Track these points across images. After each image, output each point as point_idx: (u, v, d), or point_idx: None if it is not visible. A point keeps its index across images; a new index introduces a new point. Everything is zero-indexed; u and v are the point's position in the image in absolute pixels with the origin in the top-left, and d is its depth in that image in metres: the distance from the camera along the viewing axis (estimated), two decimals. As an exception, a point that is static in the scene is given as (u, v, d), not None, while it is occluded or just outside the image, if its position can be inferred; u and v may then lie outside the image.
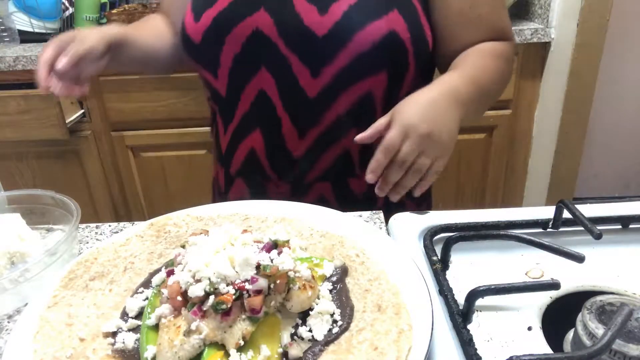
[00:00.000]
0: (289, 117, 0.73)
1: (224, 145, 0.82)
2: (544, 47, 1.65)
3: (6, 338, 0.48)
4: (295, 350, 0.41)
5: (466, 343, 0.44)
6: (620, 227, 0.61)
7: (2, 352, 0.43)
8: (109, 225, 0.67)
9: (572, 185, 1.87)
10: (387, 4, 0.69)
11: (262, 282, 0.42)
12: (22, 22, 1.72)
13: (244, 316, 0.42)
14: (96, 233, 0.65)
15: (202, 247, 0.46)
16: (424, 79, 0.77)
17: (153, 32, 0.84)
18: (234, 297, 0.42)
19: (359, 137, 0.62)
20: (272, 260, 0.44)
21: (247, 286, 0.42)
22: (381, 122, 0.62)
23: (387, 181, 0.61)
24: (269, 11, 0.69)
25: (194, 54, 0.76)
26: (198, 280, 0.43)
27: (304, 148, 0.74)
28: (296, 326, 0.44)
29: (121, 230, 0.63)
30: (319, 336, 0.43)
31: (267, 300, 0.43)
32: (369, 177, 0.61)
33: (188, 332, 0.41)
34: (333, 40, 0.67)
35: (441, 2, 0.72)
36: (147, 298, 0.49)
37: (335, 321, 0.45)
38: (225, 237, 0.47)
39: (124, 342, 0.44)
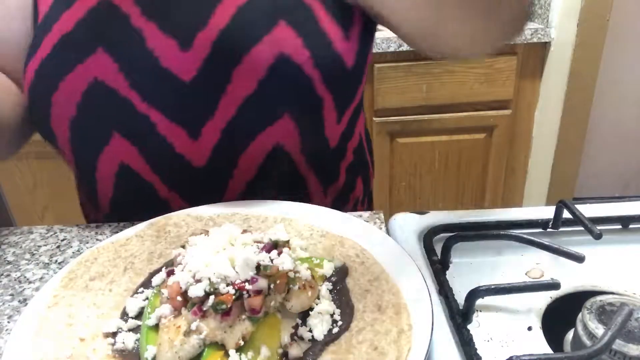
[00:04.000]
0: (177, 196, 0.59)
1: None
2: (543, 47, 1.65)
3: (6, 338, 0.48)
4: (295, 350, 0.41)
5: (466, 343, 0.44)
6: (620, 227, 0.61)
7: (2, 352, 0.43)
8: (109, 225, 0.67)
9: (572, 185, 1.87)
10: (270, 16, 0.51)
11: (262, 282, 0.42)
12: None
13: (244, 316, 0.42)
14: (96, 233, 0.65)
15: (202, 247, 0.46)
16: (355, 107, 0.58)
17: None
18: (234, 297, 0.42)
19: None
20: (272, 261, 0.44)
21: (247, 286, 0.42)
22: None
23: None
24: (110, 51, 0.51)
25: (32, 121, 0.59)
26: (198, 280, 0.42)
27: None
28: (296, 326, 0.44)
29: (121, 230, 0.63)
30: (319, 336, 0.43)
31: (267, 300, 0.43)
32: None
33: (188, 332, 0.41)
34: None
35: None
36: (147, 298, 0.49)
37: (335, 321, 0.45)
38: (225, 237, 0.47)
39: (124, 342, 0.44)
